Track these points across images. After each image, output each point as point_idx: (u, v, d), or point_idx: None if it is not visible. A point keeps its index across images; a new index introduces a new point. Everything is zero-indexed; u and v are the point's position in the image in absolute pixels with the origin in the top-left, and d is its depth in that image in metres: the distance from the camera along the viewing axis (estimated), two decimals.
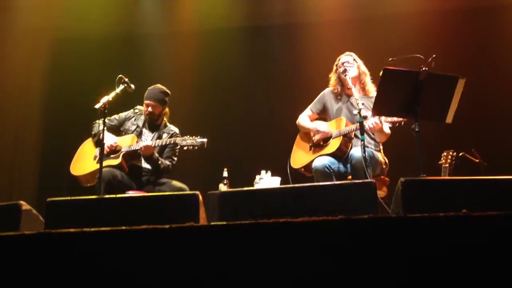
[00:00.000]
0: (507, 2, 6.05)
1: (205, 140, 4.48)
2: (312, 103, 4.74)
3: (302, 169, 4.55)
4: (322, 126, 4.58)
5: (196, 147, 4.49)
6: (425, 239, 2.27)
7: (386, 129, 4.28)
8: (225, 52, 6.60)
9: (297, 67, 6.28)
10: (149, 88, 4.86)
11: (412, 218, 2.37)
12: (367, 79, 4.57)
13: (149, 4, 6.83)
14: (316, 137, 4.54)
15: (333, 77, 4.67)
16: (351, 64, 4.55)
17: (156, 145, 4.65)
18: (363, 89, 4.56)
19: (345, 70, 4.48)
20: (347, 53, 4.68)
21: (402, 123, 4.03)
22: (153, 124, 4.85)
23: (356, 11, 6.35)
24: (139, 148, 4.63)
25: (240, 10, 6.69)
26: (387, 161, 4.44)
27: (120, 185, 4.50)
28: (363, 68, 4.60)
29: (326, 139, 4.47)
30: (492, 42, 5.98)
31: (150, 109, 4.78)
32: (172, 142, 4.65)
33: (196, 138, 4.49)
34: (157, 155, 4.68)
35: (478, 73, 5.45)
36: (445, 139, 5.10)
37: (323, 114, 4.71)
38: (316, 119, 4.73)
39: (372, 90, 4.53)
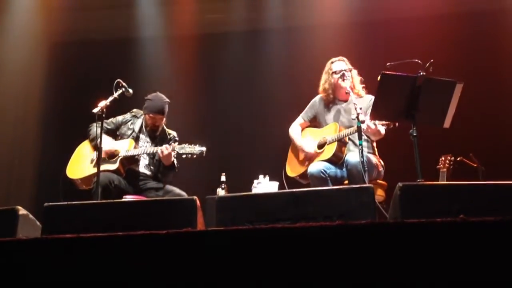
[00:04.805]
0: (505, 6, 6.06)
1: (204, 148, 4.42)
2: (304, 111, 4.77)
3: (298, 177, 4.57)
4: (308, 145, 4.55)
5: (195, 156, 4.42)
6: (422, 245, 2.26)
7: (382, 130, 4.27)
8: (223, 57, 6.61)
9: (296, 72, 6.27)
10: (150, 98, 4.77)
11: (409, 224, 2.36)
12: (357, 82, 4.60)
13: (147, 8, 6.83)
14: (301, 156, 4.55)
15: (325, 82, 4.64)
16: (347, 72, 4.54)
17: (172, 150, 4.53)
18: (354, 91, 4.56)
19: (343, 75, 4.49)
20: (340, 58, 4.66)
21: (397, 124, 4.01)
22: (153, 132, 4.80)
23: (354, 16, 6.36)
24: (136, 153, 4.61)
25: (238, 14, 6.70)
26: (382, 163, 4.45)
27: (117, 190, 4.47)
28: (355, 74, 4.61)
29: (321, 145, 4.48)
30: (490, 46, 5.99)
31: (156, 122, 4.73)
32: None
33: (195, 146, 4.43)
34: (175, 161, 4.63)
35: (476, 78, 5.45)
36: (443, 143, 5.10)
37: (314, 122, 4.73)
38: (308, 126, 4.75)
39: (361, 90, 4.57)
